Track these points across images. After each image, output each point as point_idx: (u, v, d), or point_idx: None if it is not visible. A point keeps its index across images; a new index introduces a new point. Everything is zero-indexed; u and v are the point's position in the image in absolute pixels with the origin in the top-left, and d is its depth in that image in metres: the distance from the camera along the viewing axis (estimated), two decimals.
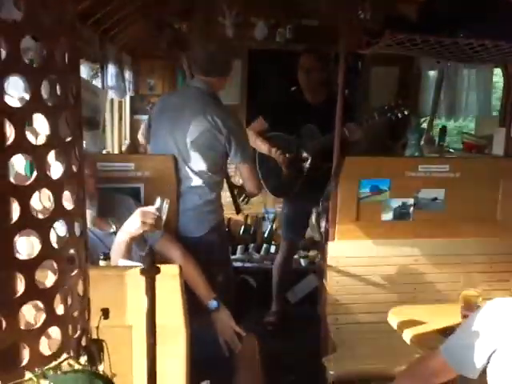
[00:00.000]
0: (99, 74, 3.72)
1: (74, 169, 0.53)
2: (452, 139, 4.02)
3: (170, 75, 5.92)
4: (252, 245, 4.53)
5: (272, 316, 3.93)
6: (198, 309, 2.41)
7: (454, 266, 2.80)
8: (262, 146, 3.54)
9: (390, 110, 3.18)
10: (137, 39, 5.18)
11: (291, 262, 4.00)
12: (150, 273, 0.82)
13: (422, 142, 3.89)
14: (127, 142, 5.42)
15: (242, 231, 4.60)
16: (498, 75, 3.43)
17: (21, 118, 0.45)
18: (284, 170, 3.49)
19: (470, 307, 2.18)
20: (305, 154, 3.49)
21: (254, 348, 2.33)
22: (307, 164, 3.49)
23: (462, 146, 3.52)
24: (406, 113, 3.21)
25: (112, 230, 2.19)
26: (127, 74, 5.01)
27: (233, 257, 4.17)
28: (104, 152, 3.60)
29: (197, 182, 2.65)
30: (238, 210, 3.25)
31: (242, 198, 3.14)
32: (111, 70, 4.17)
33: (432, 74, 4.21)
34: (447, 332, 2.18)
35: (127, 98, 5.55)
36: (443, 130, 3.90)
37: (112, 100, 4.79)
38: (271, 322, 3.90)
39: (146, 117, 5.20)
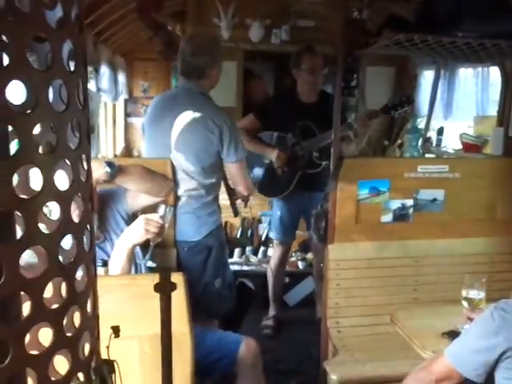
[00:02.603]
0: (92, 77, 3.68)
1: (83, 179, 0.50)
2: (450, 139, 4.00)
3: (164, 77, 5.89)
4: (249, 248, 4.50)
5: (270, 320, 3.91)
6: (200, 315, 2.38)
7: (455, 267, 2.78)
8: (254, 146, 3.53)
9: (394, 107, 3.18)
10: (130, 41, 5.15)
11: (285, 265, 3.97)
12: (166, 289, 0.78)
13: (420, 143, 3.88)
14: (121, 145, 5.38)
15: (239, 234, 4.56)
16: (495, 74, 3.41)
17: (26, 125, 0.42)
18: (278, 169, 3.48)
19: (472, 308, 2.16)
20: (300, 153, 3.48)
21: (256, 353, 2.30)
22: (303, 162, 3.48)
23: (461, 146, 3.50)
24: (407, 111, 3.23)
25: (101, 240, 2.14)
26: (121, 77, 4.98)
27: (230, 260, 4.13)
28: (99, 156, 3.56)
29: (192, 184, 2.62)
30: (236, 213, 3.22)
31: (240, 201, 3.12)
32: (104, 72, 4.14)
33: (428, 73, 4.20)
34: (450, 334, 2.16)
35: (121, 101, 5.51)
36: (440, 130, 3.89)
37: (105, 103, 4.76)
38: (269, 325, 3.87)
39: (139, 119, 5.17)
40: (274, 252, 3.91)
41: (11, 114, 0.41)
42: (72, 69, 0.46)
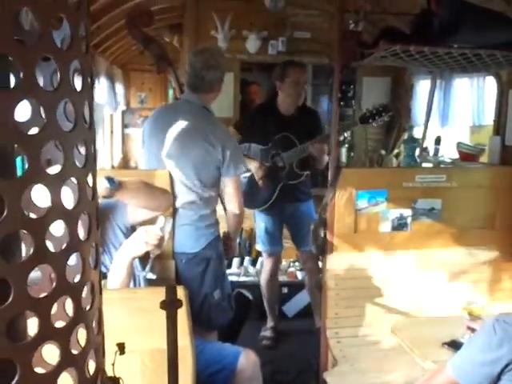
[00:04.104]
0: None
1: (89, 197, 0.50)
2: (447, 148, 4.02)
3: (160, 88, 5.92)
4: (247, 258, 4.49)
5: (268, 331, 3.89)
6: (199, 326, 2.38)
7: (454, 276, 2.78)
8: None
9: (372, 116, 3.21)
10: (127, 53, 5.18)
11: (277, 275, 3.95)
12: (172, 307, 0.78)
13: (417, 153, 3.89)
14: (119, 156, 5.38)
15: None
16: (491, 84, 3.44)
17: (35, 145, 0.42)
18: (259, 181, 3.49)
19: (473, 318, 2.16)
20: (281, 164, 3.49)
21: (255, 364, 2.29)
22: (284, 173, 3.50)
23: (457, 155, 3.51)
24: (386, 119, 3.26)
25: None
26: (118, 88, 5.00)
27: (228, 271, 4.12)
28: (97, 168, 3.55)
29: (192, 197, 2.61)
30: None
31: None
32: (102, 83, 4.15)
33: (424, 83, 4.22)
34: (451, 344, 2.16)
35: (118, 112, 5.52)
36: (438, 139, 3.90)
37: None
38: (267, 336, 3.86)
39: (136, 130, 5.18)
40: (264, 264, 3.89)
41: (20, 134, 0.41)
42: (79, 89, 0.47)
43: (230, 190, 2.70)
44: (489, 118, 3.51)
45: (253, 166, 3.46)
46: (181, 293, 1.21)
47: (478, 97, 3.63)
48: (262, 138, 3.50)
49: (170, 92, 5.43)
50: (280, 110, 3.52)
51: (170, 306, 0.80)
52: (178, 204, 2.59)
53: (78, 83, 0.47)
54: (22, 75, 0.40)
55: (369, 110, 3.26)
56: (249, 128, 3.53)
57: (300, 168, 3.50)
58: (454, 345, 2.11)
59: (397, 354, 2.33)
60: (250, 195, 3.57)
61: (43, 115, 0.42)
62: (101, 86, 4.06)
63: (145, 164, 2.83)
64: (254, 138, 3.52)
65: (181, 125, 2.59)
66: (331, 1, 3.90)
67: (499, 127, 3.13)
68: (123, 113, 5.76)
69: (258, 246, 3.86)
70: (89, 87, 0.49)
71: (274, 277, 3.85)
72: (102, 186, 1.94)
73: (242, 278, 4.28)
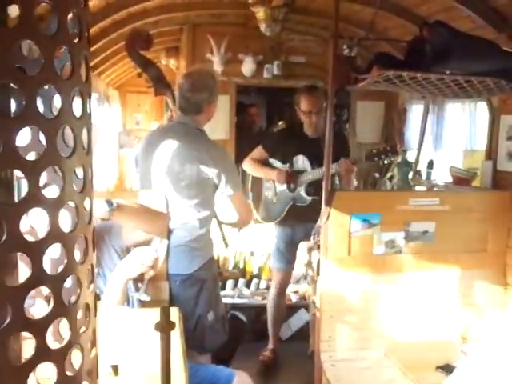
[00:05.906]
0: None
1: (86, 220, 0.51)
2: (440, 172, 4.05)
3: (156, 109, 5.97)
4: (242, 280, 4.48)
5: (267, 353, 3.85)
6: (193, 348, 2.36)
7: (448, 299, 2.79)
8: (260, 173, 3.67)
9: (378, 155, 3.24)
10: (123, 74, 5.23)
11: (285, 295, 3.95)
12: (166, 329, 0.79)
13: (411, 176, 3.92)
14: (114, 177, 5.39)
15: (231, 267, 4.55)
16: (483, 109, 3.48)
17: (35, 171, 0.43)
18: (273, 198, 3.59)
19: (466, 342, 2.17)
20: (292, 185, 3.54)
21: None
22: (294, 194, 3.53)
23: (450, 179, 3.54)
24: (392, 159, 3.31)
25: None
26: (114, 109, 5.03)
27: (222, 293, 4.11)
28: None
29: (186, 218, 2.62)
30: (227, 245, 3.22)
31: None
32: (98, 105, 4.18)
33: (417, 107, 4.28)
34: (444, 368, 2.16)
35: (114, 133, 5.55)
36: (430, 163, 3.94)
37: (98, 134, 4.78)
38: (266, 360, 3.81)
39: (131, 151, 5.21)
40: (272, 281, 3.90)
41: (21, 160, 0.42)
42: (78, 114, 0.48)
43: (236, 205, 2.71)
44: (481, 143, 3.55)
45: (273, 175, 3.57)
46: (175, 314, 1.22)
47: (470, 122, 3.68)
48: (283, 157, 3.60)
49: (167, 113, 5.46)
50: (306, 132, 3.58)
51: (164, 327, 0.81)
52: (172, 225, 2.60)
53: (76, 105, 0.49)
54: (23, 103, 0.42)
55: (376, 148, 3.32)
56: (274, 146, 3.65)
57: (306, 192, 3.52)
58: (448, 369, 2.11)
59: (391, 377, 2.32)
60: (267, 210, 3.67)
61: (43, 141, 0.44)
62: (97, 107, 4.09)
63: (139, 186, 2.84)
64: (277, 156, 3.62)
65: (174, 146, 2.61)
66: (326, 27, 3.97)
67: (491, 152, 3.17)
68: (119, 134, 5.79)
69: (270, 262, 3.91)
70: (88, 114, 0.51)
71: (281, 296, 3.82)
72: (101, 209, 1.96)
73: (236, 300, 4.27)
